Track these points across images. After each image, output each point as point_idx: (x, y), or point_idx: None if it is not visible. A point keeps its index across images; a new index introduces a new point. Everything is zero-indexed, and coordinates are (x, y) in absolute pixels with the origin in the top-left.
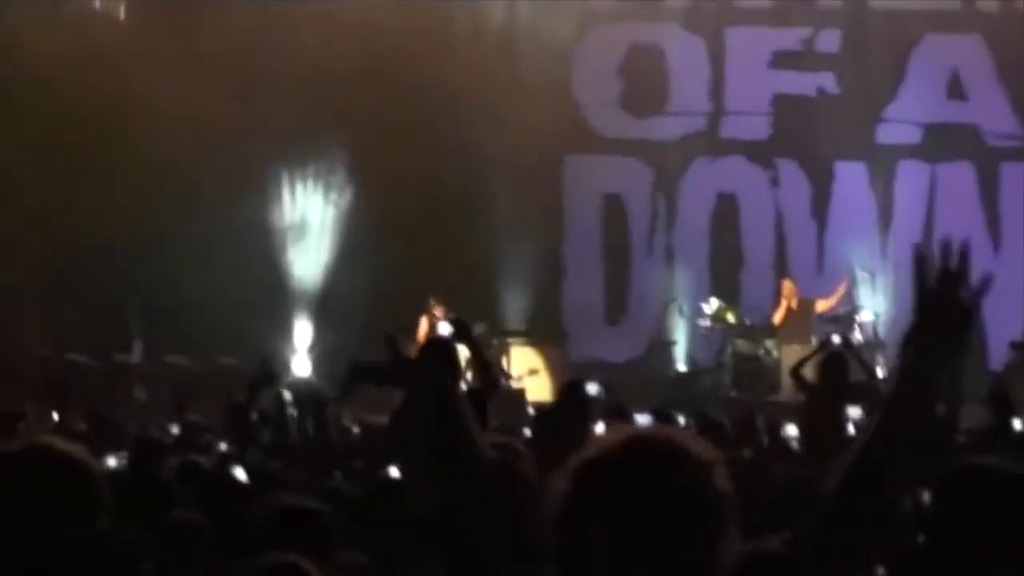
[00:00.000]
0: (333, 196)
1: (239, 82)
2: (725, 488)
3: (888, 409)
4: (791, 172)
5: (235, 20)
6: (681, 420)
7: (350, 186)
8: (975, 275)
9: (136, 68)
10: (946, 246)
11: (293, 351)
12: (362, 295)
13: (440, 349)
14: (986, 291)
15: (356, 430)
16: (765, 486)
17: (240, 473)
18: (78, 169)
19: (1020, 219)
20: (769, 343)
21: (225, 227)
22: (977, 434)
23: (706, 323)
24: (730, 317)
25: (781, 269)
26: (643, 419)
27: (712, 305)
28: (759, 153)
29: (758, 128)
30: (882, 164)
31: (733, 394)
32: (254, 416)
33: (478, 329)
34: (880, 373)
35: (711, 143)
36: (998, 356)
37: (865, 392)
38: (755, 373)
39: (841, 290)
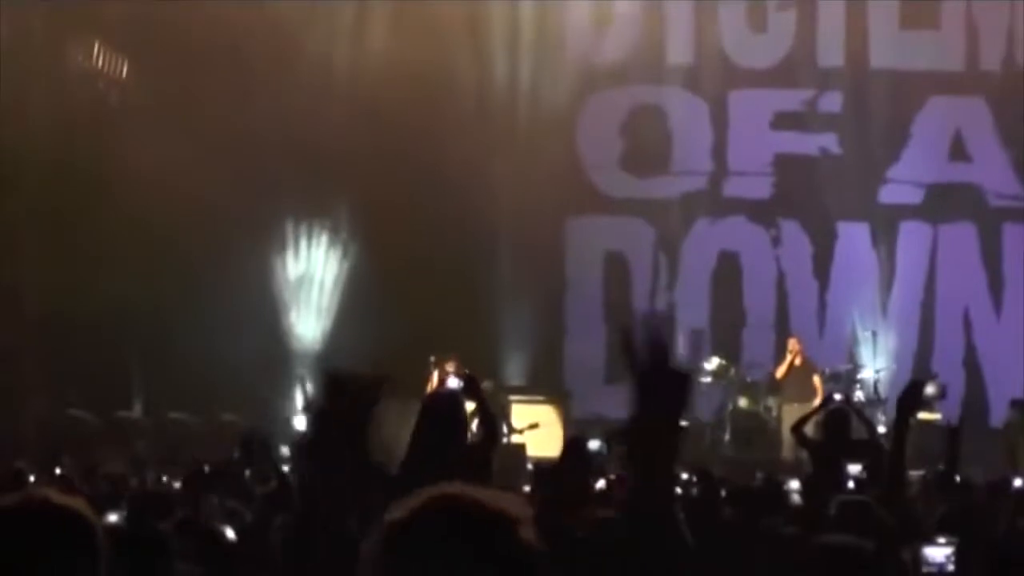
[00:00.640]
0: (334, 257)
1: (241, 144)
2: (531, 544)
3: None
4: (793, 232)
5: (237, 82)
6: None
7: (351, 247)
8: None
9: (137, 125)
10: (647, 319)
11: (295, 409)
12: (363, 355)
13: (446, 402)
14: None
15: None
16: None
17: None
18: (78, 228)
19: (1022, 279)
20: (770, 401)
21: (227, 287)
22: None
23: (707, 380)
24: (731, 373)
25: (783, 328)
26: None
27: (713, 363)
28: (761, 213)
29: (760, 188)
30: (884, 224)
31: (732, 452)
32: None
33: (486, 385)
34: (881, 430)
35: (713, 203)
36: (998, 414)
37: (866, 449)
38: (755, 430)
39: (792, 350)
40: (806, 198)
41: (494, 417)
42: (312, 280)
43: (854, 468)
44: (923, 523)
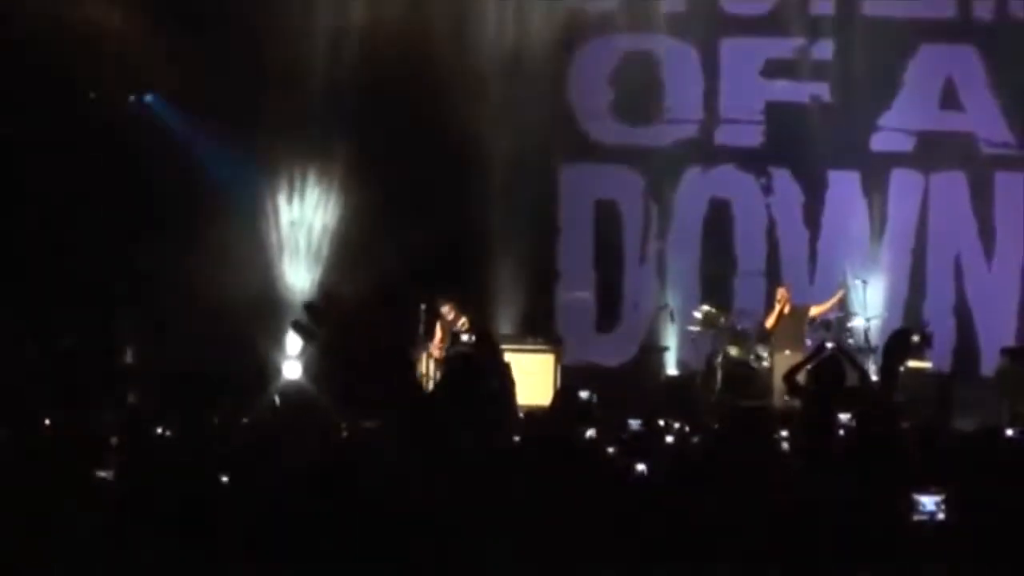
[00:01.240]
0: (325, 204)
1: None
2: None
3: None
4: (784, 180)
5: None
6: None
7: (343, 194)
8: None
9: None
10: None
11: (284, 356)
12: (354, 303)
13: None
14: None
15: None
16: None
17: None
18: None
19: (1013, 228)
20: (760, 349)
21: (219, 233)
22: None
23: (697, 328)
24: (721, 322)
25: (774, 276)
26: (635, 424)
27: (703, 310)
28: (752, 161)
29: (751, 136)
30: (875, 173)
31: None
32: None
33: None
34: (873, 378)
35: (704, 151)
36: (990, 362)
37: (858, 397)
38: (746, 378)
39: (836, 298)
40: (797, 146)
41: (509, 370)
42: (304, 227)
43: (845, 416)
44: (915, 471)
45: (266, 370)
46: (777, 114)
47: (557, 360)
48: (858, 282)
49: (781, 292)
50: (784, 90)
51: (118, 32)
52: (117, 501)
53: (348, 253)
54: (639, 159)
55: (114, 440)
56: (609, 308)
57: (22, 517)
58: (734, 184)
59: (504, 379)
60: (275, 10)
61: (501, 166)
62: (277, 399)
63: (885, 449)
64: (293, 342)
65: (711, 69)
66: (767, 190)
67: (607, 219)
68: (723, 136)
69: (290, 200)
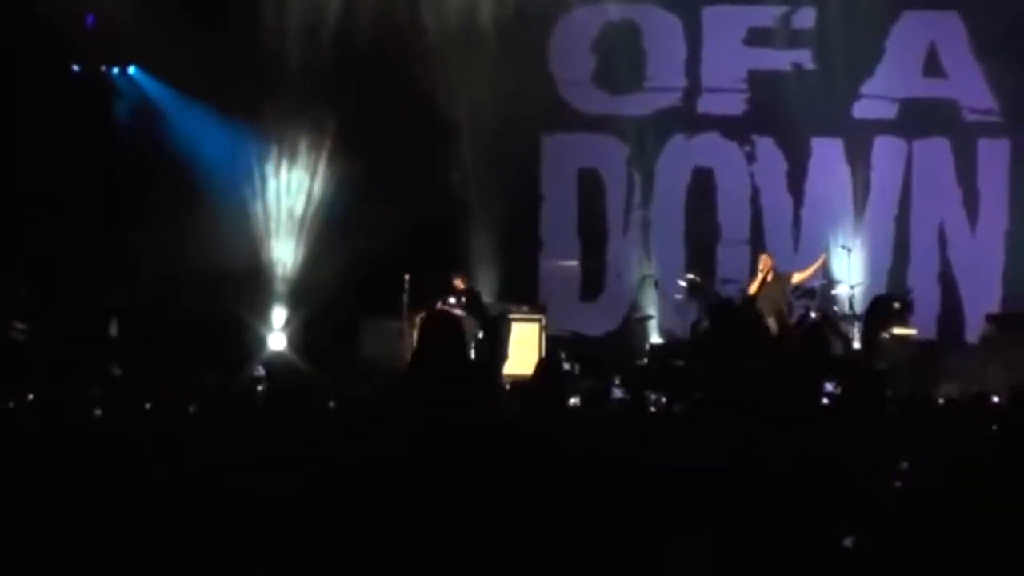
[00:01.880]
0: (311, 177)
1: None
2: None
3: None
4: (767, 148)
5: None
6: None
7: (328, 167)
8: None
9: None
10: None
11: (269, 328)
12: (339, 276)
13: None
14: None
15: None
16: None
17: None
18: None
19: (996, 195)
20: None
21: (205, 206)
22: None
23: (681, 297)
24: (706, 290)
25: (757, 244)
26: (619, 394)
27: (688, 279)
28: (735, 129)
29: (734, 104)
30: (858, 140)
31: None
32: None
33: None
34: (856, 346)
35: (687, 119)
36: (974, 329)
37: (842, 365)
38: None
39: (818, 264)
40: (780, 114)
41: (498, 333)
42: (290, 200)
43: (830, 385)
44: (899, 437)
45: (252, 342)
46: (760, 82)
47: (542, 329)
48: (842, 249)
49: (764, 259)
50: (767, 58)
51: (101, 2)
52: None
53: (333, 225)
54: (622, 128)
55: (98, 412)
56: (593, 277)
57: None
58: (717, 152)
59: (494, 339)
60: None
61: (484, 135)
62: (262, 370)
63: (868, 416)
64: (278, 315)
65: (693, 37)
66: (750, 158)
67: (590, 188)
68: (706, 104)
69: (276, 173)
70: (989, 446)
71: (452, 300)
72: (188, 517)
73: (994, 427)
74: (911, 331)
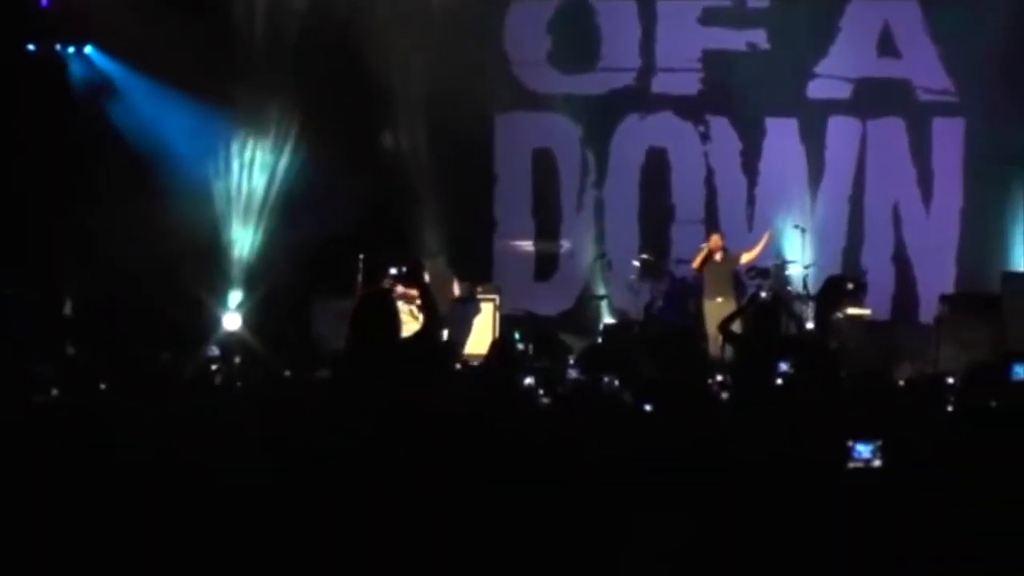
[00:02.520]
0: (268, 160)
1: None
2: None
3: None
4: (722, 127)
5: None
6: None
7: (283, 151)
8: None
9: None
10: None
11: (225, 309)
12: (294, 256)
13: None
14: None
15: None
16: None
17: None
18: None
19: (951, 174)
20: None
21: (162, 186)
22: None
23: (635, 277)
24: (660, 270)
25: (711, 224)
26: (574, 374)
27: (642, 259)
28: (689, 109)
29: (689, 84)
30: (813, 120)
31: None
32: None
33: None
34: (810, 326)
35: (641, 99)
36: (928, 310)
37: (795, 345)
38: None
39: (764, 241)
40: (734, 94)
41: (434, 307)
42: (249, 181)
43: (783, 365)
44: (852, 418)
45: (207, 322)
46: (714, 62)
47: (496, 309)
48: (795, 230)
49: (713, 239)
50: (721, 37)
51: None
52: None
53: (291, 205)
54: (576, 107)
55: (54, 392)
56: (547, 257)
57: None
58: (671, 132)
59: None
60: None
61: (437, 115)
62: (216, 350)
63: (822, 396)
64: (234, 296)
65: (648, 17)
66: (704, 138)
67: (544, 168)
68: (660, 84)
69: (236, 154)
70: (944, 426)
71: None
72: (146, 496)
73: (948, 408)
74: (865, 311)
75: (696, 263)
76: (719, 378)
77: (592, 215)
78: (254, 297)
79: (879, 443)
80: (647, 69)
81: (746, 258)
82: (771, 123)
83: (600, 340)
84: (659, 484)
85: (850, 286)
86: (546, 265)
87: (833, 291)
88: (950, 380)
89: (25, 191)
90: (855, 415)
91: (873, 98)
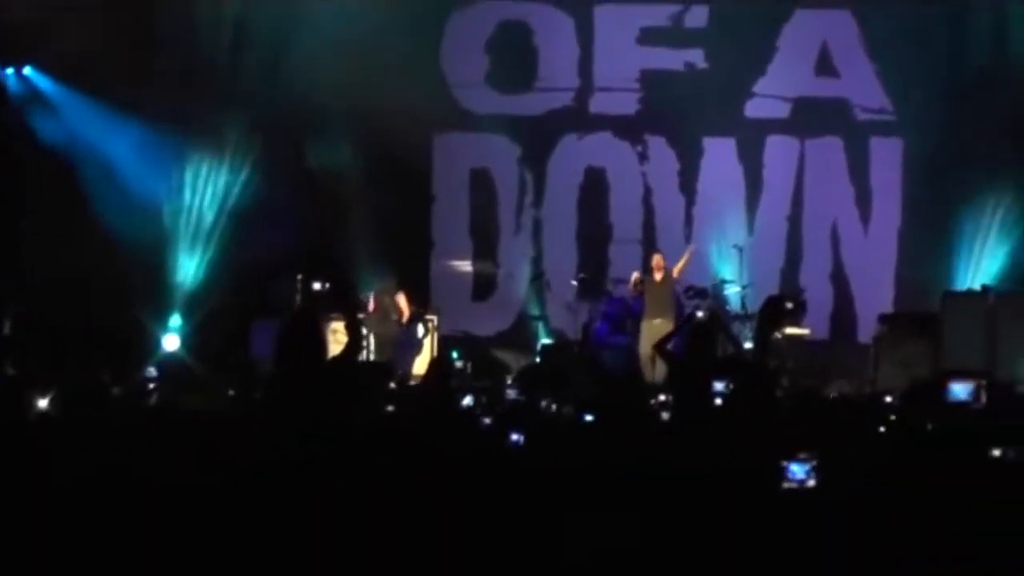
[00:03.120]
0: (213, 184)
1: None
2: None
3: None
4: (659, 147)
5: None
6: None
7: (227, 173)
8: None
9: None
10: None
11: (164, 330)
12: (237, 280)
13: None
14: None
15: None
16: None
17: None
18: None
19: (889, 194)
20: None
21: (109, 207)
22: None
23: (573, 296)
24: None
25: (649, 243)
26: (513, 393)
27: (579, 278)
28: (628, 128)
29: (627, 103)
30: (751, 139)
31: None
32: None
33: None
34: (748, 345)
35: (580, 119)
36: (866, 329)
37: (732, 365)
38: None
39: (687, 255)
40: (672, 113)
41: (358, 329)
42: (192, 202)
43: (719, 385)
44: (787, 438)
45: (146, 343)
46: (652, 81)
47: (433, 329)
48: (733, 249)
49: (656, 259)
50: (659, 57)
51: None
52: None
53: (231, 227)
54: (514, 128)
55: None
56: (484, 277)
57: None
58: (609, 152)
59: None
60: None
61: (375, 135)
62: (155, 371)
63: (759, 416)
64: (174, 317)
65: (586, 37)
66: (642, 157)
67: (482, 188)
68: (598, 104)
69: (179, 174)
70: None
71: (317, 286)
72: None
73: (882, 428)
74: (804, 331)
75: (631, 286)
76: (661, 398)
77: (530, 235)
78: (193, 319)
79: (814, 463)
80: (585, 89)
81: (675, 273)
82: (709, 142)
83: (538, 360)
84: (597, 490)
85: (789, 305)
86: (484, 285)
87: (773, 310)
88: (888, 399)
89: None
90: (792, 434)
91: (811, 117)
